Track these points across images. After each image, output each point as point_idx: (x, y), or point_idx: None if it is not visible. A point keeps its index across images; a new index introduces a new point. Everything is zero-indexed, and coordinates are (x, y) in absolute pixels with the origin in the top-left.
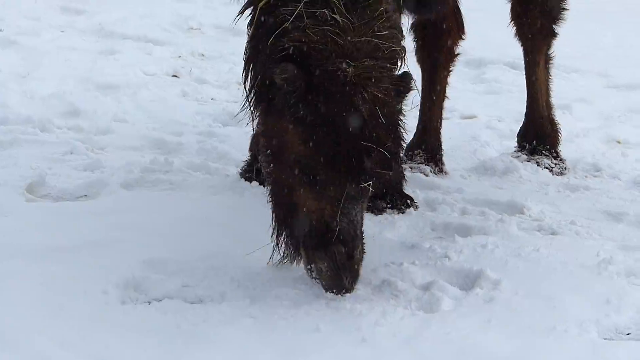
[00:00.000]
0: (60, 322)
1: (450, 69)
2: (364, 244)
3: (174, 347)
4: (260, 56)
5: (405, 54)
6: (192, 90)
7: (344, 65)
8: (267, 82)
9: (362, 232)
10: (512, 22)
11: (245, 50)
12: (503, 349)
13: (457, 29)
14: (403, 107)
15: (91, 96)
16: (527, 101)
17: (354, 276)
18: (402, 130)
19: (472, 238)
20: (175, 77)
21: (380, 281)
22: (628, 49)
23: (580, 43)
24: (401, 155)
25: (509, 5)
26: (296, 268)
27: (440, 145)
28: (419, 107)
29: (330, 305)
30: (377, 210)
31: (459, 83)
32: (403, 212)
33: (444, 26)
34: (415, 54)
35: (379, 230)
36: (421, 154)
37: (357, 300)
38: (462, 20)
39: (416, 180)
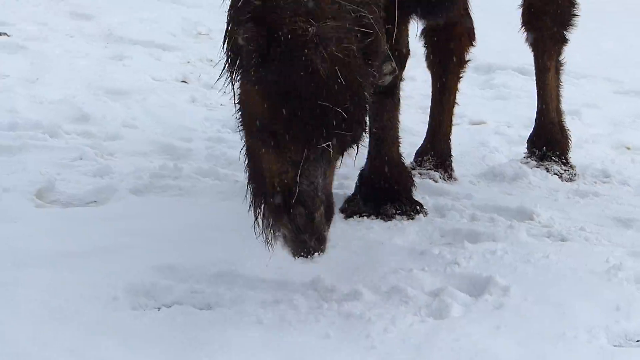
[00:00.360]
0: (69, 328)
1: (461, 75)
2: (330, 207)
3: (183, 353)
4: (234, 21)
5: (380, 26)
6: (201, 96)
7: (306, 24)
8: (237, 45)
9: (327, 195)
10: (523, 27)
11: (226, 18)
12: (512, 355)
13: (467, 35)
14: (373, 71)
15: (100, 102)
16: (537, 107)
17: (319, 238)
18: (366, 93)
19: (482, 244)
20: (184, 83)
21: (389, 287)
22: (628, 50)
23: (588, 48)
24: (364, 116)
25: (519, 11)
26: (306, 273)
27: (450, 151)
28: (428, 112)
29: (340, 311)
30: (387, 217)
31: (467, 89)
32: (412, 219)
33: (455, 32)
34: (426, 59)
35: (389, 237)
36: (430, 160)
37: (367, 307)
38: (472, 26)
39: (425, 187)
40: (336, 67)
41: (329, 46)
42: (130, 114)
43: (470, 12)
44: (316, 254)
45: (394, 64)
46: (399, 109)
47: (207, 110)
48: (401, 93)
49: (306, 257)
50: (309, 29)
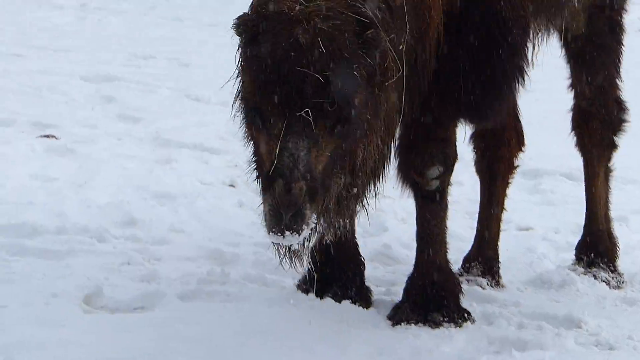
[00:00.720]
0: None
1: (509, 181)
2: (315, 189)
3: None
4: None
5: (376, 22)
6: (249, 200)
7: (294, 4)
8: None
9: (310, 170)
10: (573, 132)
11: None
12: None
13: (517, 140)
14: (365, 55)
15: (148, 205)
16: (585, 214)
17: (297, 215)
18: (356, 73)
19: (529, 352)
20: (231, 187)
21: None
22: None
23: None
24: (351, 95)
25: (567, 116)
26: None
27: (497, 257)
28: (476, 217)
29: None
30: (434, 324)
31: (515, 194)
32: (460, 326)
33: (504, 137)
34: (474, 164)
35: (436, 345)
36: (478, 267)
37: None
38: (522, 131)
39: (473, 293)
40: (318, 38)
41: (313, 20)
42: (177, 218)
43: (520, 117)
44: (288, 233)
45: (440, 169)
46: (446, 214)
47: (255, 214)
48: (449, 198)
49: (277, 234)
50: (296, 7)
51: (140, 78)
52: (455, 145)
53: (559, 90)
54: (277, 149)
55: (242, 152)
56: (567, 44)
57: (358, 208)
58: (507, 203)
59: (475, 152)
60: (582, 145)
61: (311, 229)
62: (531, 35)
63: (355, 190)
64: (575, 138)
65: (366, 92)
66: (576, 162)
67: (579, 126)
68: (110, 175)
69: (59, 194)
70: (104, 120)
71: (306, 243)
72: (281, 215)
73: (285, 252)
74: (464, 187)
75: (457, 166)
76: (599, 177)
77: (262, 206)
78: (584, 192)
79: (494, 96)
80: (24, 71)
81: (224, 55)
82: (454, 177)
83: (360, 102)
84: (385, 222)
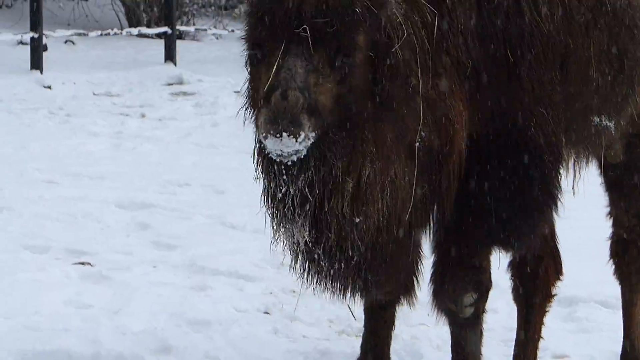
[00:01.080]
0: None
1: (547, 309)
2: (313, 105)
3: None
4: None
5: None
6: (283, 328)
7: None
8: None
9: (308, 88)
10: (611, 260)
11: None
12: None
13: (554, 269)
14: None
15: (182, 332)
16: (623, 341)
17: (294, 121)
18: (356, 7)
19: None
20: (266, 314)
21: None
22: None
23: None
24: (352, 29)
25: (602, 243)
26: None
27: None
28: (510, 345)
29: None
30: None
31: (550, 321)
32: None
33: (541, 266)
34: (511, 292)
35: None
36: None
37: None
38: (560, 260)
39: None
40: None
41: None
42: (212, 345)
43: (558, 245)
44: (286, 135)
45: (474, 296)
46: (481, 341)
47: (289, 342)
48: (484, 325)
49: (276, 136)
50: None
51: (175, 205)
52: (490, 273)
53: (593, 217)
54: (274, 69)
55: (277, 279)
56: (605, 172)
57: (358, 249)
58: (543, 331)
59: (513, 281)
60: (621, 273)
61: (311, 151)
62: (564, 163)
63: (357, 220)
64: (613, 266)
65: (371, 38)
66: (611, 289)
67: (618, 254)
68: (144, 302)
69: (94, 320)
70: (139, 247)
71: (302, 181)
72: (278, 122)
73: (281, 206)
74: (499, 314)
75: (493, 293)
76: (637, 305)
77: (257, 121)
78: (622, 320)
79: (525, 225)
80: (59, 198)
81: (259, 183)
82: (489, 305)
83: (364, 44)
84: (420, 349)
